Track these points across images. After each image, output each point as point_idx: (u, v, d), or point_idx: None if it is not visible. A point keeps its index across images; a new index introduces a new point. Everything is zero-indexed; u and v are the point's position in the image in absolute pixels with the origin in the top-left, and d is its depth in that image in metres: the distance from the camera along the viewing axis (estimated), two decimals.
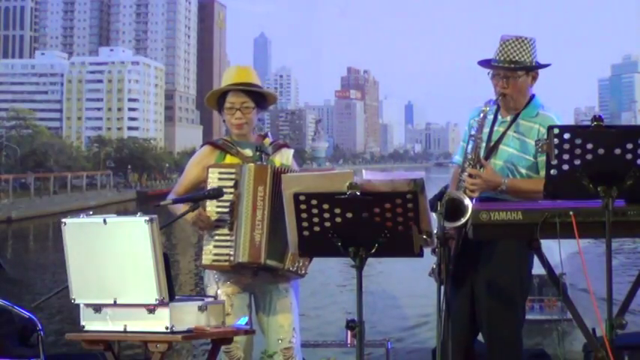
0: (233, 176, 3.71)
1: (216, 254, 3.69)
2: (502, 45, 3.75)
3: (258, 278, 3.80)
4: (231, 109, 3.86)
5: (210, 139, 4.26)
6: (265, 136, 4.02)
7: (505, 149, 3.78)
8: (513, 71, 3.74)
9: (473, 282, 3.75)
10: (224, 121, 3.98)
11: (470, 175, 3.64)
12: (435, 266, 3.57)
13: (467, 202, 3.40)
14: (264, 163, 3.76)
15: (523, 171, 3.76)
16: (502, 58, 3.74)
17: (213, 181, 3.72)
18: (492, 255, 3.68)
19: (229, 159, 3.87)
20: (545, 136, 3.71)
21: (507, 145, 3.78)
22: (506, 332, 3.71)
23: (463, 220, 3.37)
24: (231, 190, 3.69)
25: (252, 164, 3.74)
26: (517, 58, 3.72)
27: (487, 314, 3.71)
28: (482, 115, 3.74)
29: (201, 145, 4.07)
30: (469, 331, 3.79)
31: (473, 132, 3.74)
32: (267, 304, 3.85)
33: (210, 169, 3.75)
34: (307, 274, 3.85)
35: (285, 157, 3.95)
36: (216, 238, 3.70)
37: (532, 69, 3.78)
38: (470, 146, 3.73)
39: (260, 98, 3.92)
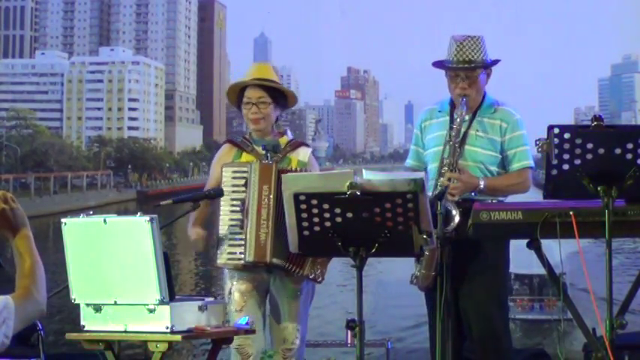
0: (244, 175, 3.70)
1: (229, 253, 3.68)
2: (458, 45, 3.76)
3: (272, 275, 3.80)
4: (247, 104, 3.86)
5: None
6: (284, 133, 3.99)
7: (471, 149, 3.80)
8: (473, 70, 3.76)
9: (456, 283, 3.75)
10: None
11: (449, 180, 3.65)
12: (417, 274, 3.60)
13: (455, 211, 3.46)
14: (270, 162, 3.73)
15: (493, 168, 3.80)
16: (460, 59, 3.75)
17: (227, 180, 3.70)
18: (473, 255, 3.70)
19: (245, 157, 3.87)
20: (507, 131, 3.78)
21: (473, 145, 3.80)
22: (493, 328, 3.76)
23: (451, 228, 3.45)
24: (243, 188, 3.68)
25: (257, 162, 3.74)
26: (473, 57, 3.75)
27: (474, 312, 3.75)
28: (458, 119, 3.74)
29: (222, 143, 4.10)
30: (457, 331, 3.80)
31: (451, 137, 3.74)
32: (276, 303, 3.84)
33: (224, 168, 3.74)
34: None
35: (302, 156, 3.91)
36: (230, 237, 3.69)
37: (489, 66, 3.83)
38: (447, 150, 3.73)
39: (278, 95, 3.90)
